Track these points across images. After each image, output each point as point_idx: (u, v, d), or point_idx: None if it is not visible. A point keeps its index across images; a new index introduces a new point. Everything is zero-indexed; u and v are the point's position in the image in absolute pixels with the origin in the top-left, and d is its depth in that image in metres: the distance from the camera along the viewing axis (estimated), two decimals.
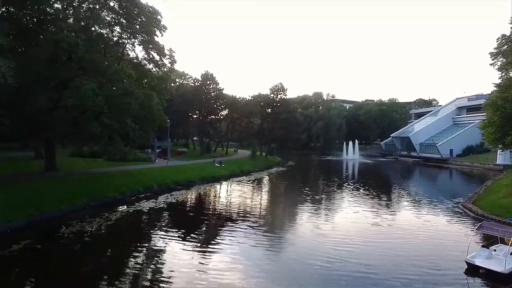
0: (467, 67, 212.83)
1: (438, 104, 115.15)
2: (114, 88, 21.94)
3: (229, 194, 31.87)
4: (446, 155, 72.20)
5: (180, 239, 16.52)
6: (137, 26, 26.47)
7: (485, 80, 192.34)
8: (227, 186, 35.55)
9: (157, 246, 15.75)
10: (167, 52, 31.02)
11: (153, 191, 28.83)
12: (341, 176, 47.42)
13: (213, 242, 16.19)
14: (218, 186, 34.87)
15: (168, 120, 40.39)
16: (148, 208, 23.55)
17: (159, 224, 20.23)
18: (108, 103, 20.94)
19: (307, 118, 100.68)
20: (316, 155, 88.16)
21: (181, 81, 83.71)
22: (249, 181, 39.75)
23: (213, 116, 66.20)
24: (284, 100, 61.54)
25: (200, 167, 42.97)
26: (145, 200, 25.70)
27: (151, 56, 29.17)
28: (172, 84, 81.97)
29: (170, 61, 31.51)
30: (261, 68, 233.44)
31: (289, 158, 72.44)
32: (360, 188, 34.17)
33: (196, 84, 60.59)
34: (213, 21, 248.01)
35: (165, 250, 15.19)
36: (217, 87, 59.94)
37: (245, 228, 18.66)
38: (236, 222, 20.21)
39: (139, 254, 14.74)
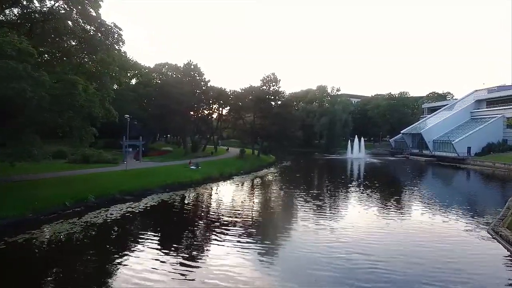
0: (482, 58, 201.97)
1: (453, 98, 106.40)
2: None
3: (183, 210, 24.21)
4: (463, 154, 64.46)
5: None
6: None
7: (503, 72, 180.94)
8: (189, 197, 27.95)
9: None
10: (109, 28, 24.64)
11: (86, 205, 22.41)
12: (337, 182, 40.17)
13: None
14: (179, 197, 27.17)
15: (128, 116, 34.36)
16: (52, 234, 17.09)
17: (40, 268, 13.80)
18: None
19: (310, 114, 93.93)
20: (318, 154, 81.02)
21: (173, 75, 77.54)
22: (219, 188, 33.34)
23: (204, 112, 59.94)
24: (277, 93, 54.44)
25: (170, 170, 36.59)
26: (62, 220, 19.19)
27: (83, 32, 22.69)
28: (165, 78, 76.19)
29: (115, 40, 25.06)
30: (265, 64, 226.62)
31: (285, 157, 65.58)
32: (357, 205, 25.67)
33: (177, 75, 54.07)
34: (213, 14, 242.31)
35: None
36: (202, 78, 53.35)
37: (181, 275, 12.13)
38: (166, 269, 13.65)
39: None
